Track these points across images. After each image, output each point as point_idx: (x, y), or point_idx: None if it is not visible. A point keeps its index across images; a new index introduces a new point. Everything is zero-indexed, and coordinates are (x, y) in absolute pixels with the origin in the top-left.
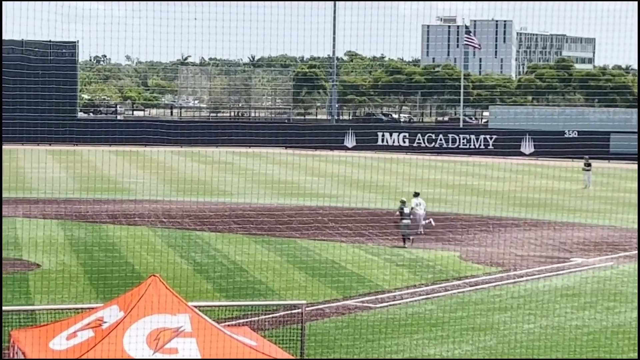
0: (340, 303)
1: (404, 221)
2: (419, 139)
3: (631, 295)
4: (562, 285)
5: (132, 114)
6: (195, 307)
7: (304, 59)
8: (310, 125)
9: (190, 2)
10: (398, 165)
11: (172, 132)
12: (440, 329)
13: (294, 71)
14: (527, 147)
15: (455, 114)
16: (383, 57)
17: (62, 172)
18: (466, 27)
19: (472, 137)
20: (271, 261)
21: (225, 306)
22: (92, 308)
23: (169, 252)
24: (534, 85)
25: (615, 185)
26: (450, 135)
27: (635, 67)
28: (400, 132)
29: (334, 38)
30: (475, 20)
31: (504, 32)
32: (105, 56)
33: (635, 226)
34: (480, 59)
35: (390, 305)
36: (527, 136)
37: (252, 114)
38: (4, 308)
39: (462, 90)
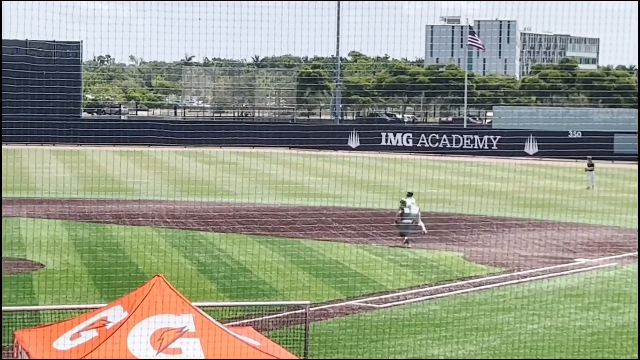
0: (344, 303)
1: (404, 221)
2: (422, 139)
3: (635, 295)
4: (566, 285)
5: (136, 114)
6: (199, 307)
7: (308, 59)
8: (314, 126)
9: (194, 2)
10: (402, 166)
11: (175, 132)
12: (444, 329)
13: (297, 71)
14: (531, 147)
15: (459, 114)
16: (387, 58)
17: (66, 172)
18: (470, 27)
19: (476, 137)
20: (275, 261)
21: (229, 306)
22: (96, 308)
23: (173, 252)
24: (537, 85)
25: (619, 186)
26: (454, 136)
27: None
28: (404, 133)
29: (337, 38)
30: (479, 21)
31: (508, 32)
32: (109, 56)
33: None
34: (484, 59)
35: (394, 305)
36: (531, 136)
37: (256, 114)
38: (8, 308)
39: (465, 91)
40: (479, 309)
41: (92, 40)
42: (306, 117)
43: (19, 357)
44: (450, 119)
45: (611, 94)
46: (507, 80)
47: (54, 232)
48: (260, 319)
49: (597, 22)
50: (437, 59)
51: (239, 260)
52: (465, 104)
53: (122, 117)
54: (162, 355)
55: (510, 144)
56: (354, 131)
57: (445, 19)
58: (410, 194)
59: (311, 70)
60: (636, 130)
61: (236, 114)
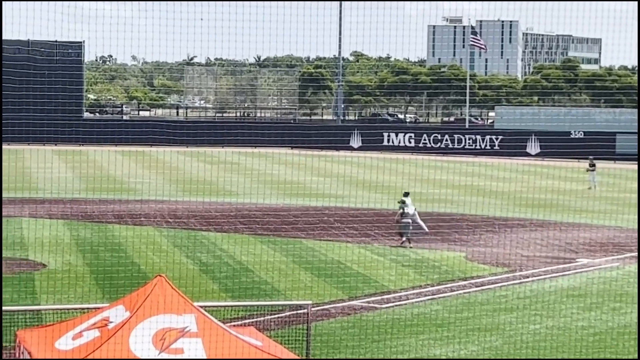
0: (346, 303)
1: (404, 220)
2: (424, 140)
3: (637, 296)
4: (568, 285)
5: (138, 114)
6: (201, 307)
7: (310, 59)
8: (316, 126)
9: (196, 2)
10: (404, 166)
11: (178, 132)
12: (446, 329)
13: (299, 71)
14: (533, 147)
15: (461, 115)
16: (389, 58)
17: (68, 172)
18: (472, 27)
19: (478, 137)
20: (277, 261)
21: (231, 306)
22: (98, 308)
23: (175, 252)
24: (540, 85)
25: (621, 186)
26: (456, 136)
27: None
28: (406, 133)
29: (339, 38)
30: (481, 21)
31: (510, 32)
32: (111, 56)
33: None
34: (486, 60)
35: (396, 305)
36: (533, 137)
37: (258, 114)
38: (10, 308)
39: (467, 91)
40: (481, 309)
41: (94, 40)
42: (308, 117)
43: (21, 357)
44: (452, 119)
45: (613, 94)
46: (509, 80)
47: (56, 232)
48: (262, 319)
49: (600, 22)
50: (439, 59)
51: (241, 260)
52: (467, 104)
53: (124, 117)
54: (164, 355)
55: (512, 144)
56: (356, 131)
57: (447, 19)
58: (407, 194)
59: (313, 70)
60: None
61: (238, 114)
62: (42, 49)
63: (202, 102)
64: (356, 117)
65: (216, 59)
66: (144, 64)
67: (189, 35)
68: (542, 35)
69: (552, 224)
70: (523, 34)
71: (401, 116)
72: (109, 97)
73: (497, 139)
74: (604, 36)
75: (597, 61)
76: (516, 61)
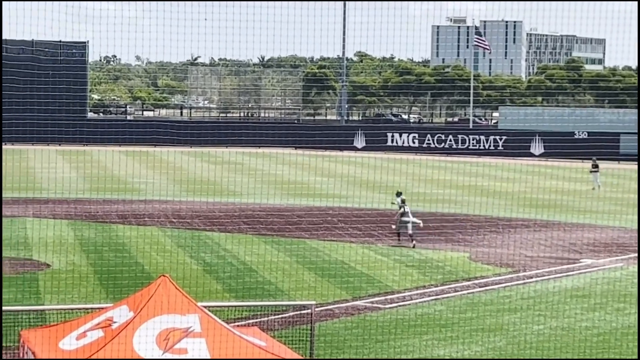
0: (350, 304)
1: (404, 219)
2: (428, 140)
3: (637, 296)
4: (572, 286)
5: (142, 114)
6: (205, 307)
7: (314, 60)
8: (320, 126)
9: (200, 2)
10: (407, 166)
11: (181, 133)
12: (449, 329)
13: (303, 72)
14: (537, 148)
15: (465, 115)
16: (393, 58)
17: (72, 172)
18: (476, 27)
19: (482, 137)
20: (280, 261)
21: (235, 306)
22: (102, 308)
23: (179, 252)
24: (543, 86)
25: (625, 187)
26: (459, 136)
27: None
28: (409, 133)
29: (343, 38)
30: (485, 21)
31: (514, 32)
32: (115, 56)
33: None
34: (490, 60)
35: (400, 305)
36: (537, 137)
37: (262, 115)
38: (14, 308)
39: (471, 91)
40: (485, 310)
41: (98, 41)
42: (312, 118)
43: (25, 357)
44: (456, 119)
45: (617, 94)
46: (513, 80)
47: (60, 232)
48: (266, 319)
49: (604, 22)
50: (443, 59)
51: (244, 261)
52: (471, 104)
53: (128, 117)
54: (168, 356)
55: (516, 144)
56: (359, 131)
57: (451, 20)
58: (399, 194)
59: (317, 71)
60: None
61: (242, 114)
62: (46, 49)
63: (206, 102)
64: (360, 118)
65: (220, 59)
66: (148, 64)
67: (192, 36)
68: (546, 35)
69: (556, 224)
70: (527, 34)
71: (405, 116)
72: (112, 97)
73: (501, 139)
74: (608, 36)
75: (601, 61)
76: (520, 61)
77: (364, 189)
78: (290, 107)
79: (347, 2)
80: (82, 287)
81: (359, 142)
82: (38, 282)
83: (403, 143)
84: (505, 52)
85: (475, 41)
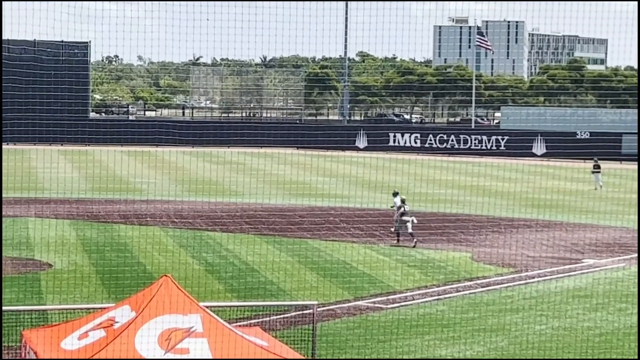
0: (352, 304)
1: (404, 218)
2: (430, 140)
3: (637, 296)
4: (574, 286)
5: (144, 114)
6: (207, 307)
7: (316, 60)
8: (322, 126)
9: (202, 2)
10: (409, 166)
11: (183, 133)
12: (451, 329)
13: (305, 72)
14: (539, 148)
15: (467, 115)
16: (395, 58)
17: (74, 172)
18: (478, 27)
19: (484, 137)
20: (282, 261)
21: (237, 306)
22: (104, 308)
23: (181, 252)
24: (545, 86)
25: (627, 187)
26: (462, 136)
27: None
28: (411, 133)
29: (345, 39)
30: (487, 21)
31: (516, 32)
32: (117, 56)
33: None
34: (492, 60)
35: (402, 306)
36: (539, 137)
37: (264, 115)
38: (16, 308)
39: (473, 91)
40: (487, 310)
41: (100, 41)
42: (314, 118)
43: (27, 357)
44: (458, 119)
45: (619, 94)
46: (515, 80)
47: (62, 232)
48: (267, 319)
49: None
50: (445, 59)
51: (246, 261)
52: (473, 104)
53: (130, 117)
54: (170, 355)
55: (518, 144)
56: (361, 131)
57: (453, 20)
58: (396, 193)
59: (319, 71)
60: None
61: (244, 114)
62: (48, 49)
63: (208, 102)
64: (362, 118)
65: (222, 59)
66: (150, 64)
67: (195, 36)
68: (548, 35)
69: (558, 224)
70: (529, 34)
71: (407, 116)
72: (115, 97)
73: (503, 139)
74: (610, 37)
75: (603, 61)
76: (522, 61)
77: (365, 189)
78: (292, 107)
79: (349, 2)
80: (84, 287)
81: (361, 142)
82: (40, 282)
83: (405, 143)
84: (508, 52)
85: (478, 41)
